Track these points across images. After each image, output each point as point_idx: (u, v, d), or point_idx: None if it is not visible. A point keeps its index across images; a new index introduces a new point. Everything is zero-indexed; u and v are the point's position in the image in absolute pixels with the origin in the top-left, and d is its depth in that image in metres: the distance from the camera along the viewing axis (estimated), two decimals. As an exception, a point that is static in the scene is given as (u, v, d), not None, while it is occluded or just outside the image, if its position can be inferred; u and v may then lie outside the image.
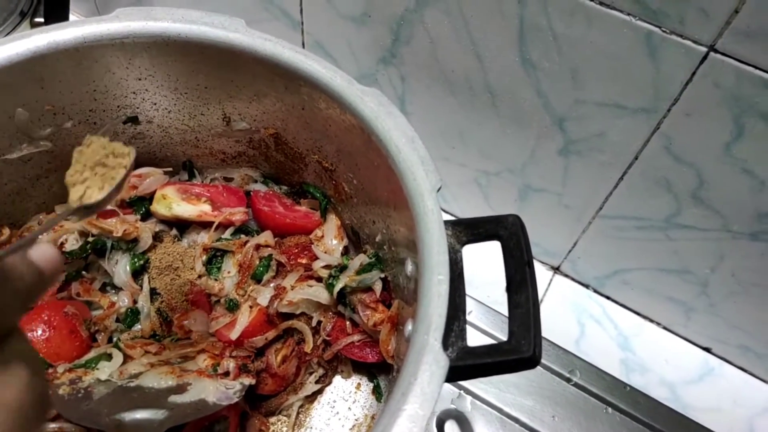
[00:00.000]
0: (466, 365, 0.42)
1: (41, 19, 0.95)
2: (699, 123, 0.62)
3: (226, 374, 0.60)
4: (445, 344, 0.42)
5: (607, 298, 0.91)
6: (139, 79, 0.62)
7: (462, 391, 0.75)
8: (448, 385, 0.74)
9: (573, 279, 0.92)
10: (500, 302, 0.84)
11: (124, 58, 0.59)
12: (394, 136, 0.51)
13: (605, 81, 0.64)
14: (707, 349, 0.86)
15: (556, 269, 0.93)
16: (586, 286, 0.92)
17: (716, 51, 0.55)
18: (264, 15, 0.84)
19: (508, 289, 0.46)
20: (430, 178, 0.48)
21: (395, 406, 0.38)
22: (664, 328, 0.88)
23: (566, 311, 0.89)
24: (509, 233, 0.47)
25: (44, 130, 0.63)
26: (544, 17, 0.62)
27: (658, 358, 0.85)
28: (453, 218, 0.64)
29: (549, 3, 0.60)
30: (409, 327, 0.47)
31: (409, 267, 0.51)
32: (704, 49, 0.56)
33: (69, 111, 0.63)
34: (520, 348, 0.42)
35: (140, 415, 0.53)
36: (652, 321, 0.89)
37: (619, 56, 0.60)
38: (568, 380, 0.77)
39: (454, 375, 0.42)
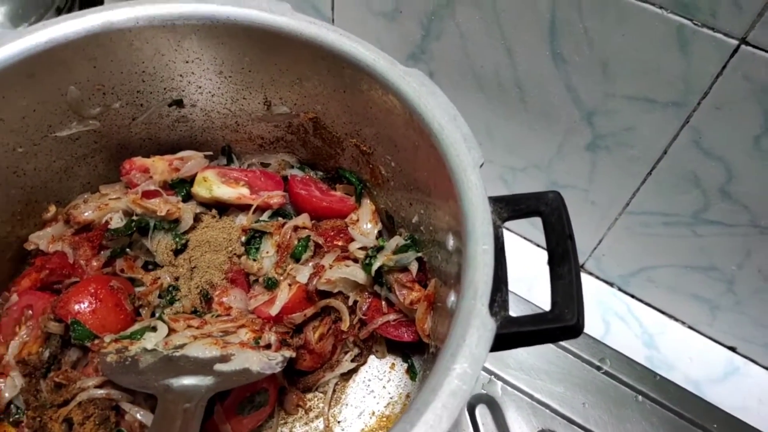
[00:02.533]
0: (511, 333, 0.43)
1: (77, 16, 0.99)
2: (729, 116, 0.62)
3: (268, 347, 0.61)
4: (491, 312, 0.43)
5: (632, 296, 0.91)
6: (187, 62, 0.64)
7: (492, 377, 0.76)
8: (478, 371, 0.75)
9: (597, 277, 0.93)
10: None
11: (173, 40, 0.61)
12: (437, 114, 0.53)
13: (636, 74, 0.65)
14: (732, 348, 0.87)
15: (581, 267, 0.94)
16: (611, 285, 0.92)
17: (747, 44, 0.56)
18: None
19: (550, 262, 0.47)
20: (473, 154, 0.50)
21: (444, 366, 0.39)
22: (689, 327, 0.89)
23: (591, 309, 0.89)
24: (550, 209, 0.48)
25: (93, 110, 0.65)
26: (576, 11, 0.63)
27: (683, 357, 0.85)
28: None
29: (581, -3, 0.61)
30: (452, 298, 0.48)
31: (451, 242, 0.52)
32: (735, 42, 0.57)
33: (118, 91, 0.65)
34: (564, 316, 0.43)
35: (187, 381, 0.55)
36: (676, 320, 0.89)
37: (650, 49, 0.62)
38: (599, 368, 0.77)
39: (499, 343, 0.43)
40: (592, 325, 0.86)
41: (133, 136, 0.71)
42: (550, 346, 0.77)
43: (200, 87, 0.68)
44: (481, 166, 0.49)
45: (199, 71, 0.66)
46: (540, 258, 0.92)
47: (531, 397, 0.75)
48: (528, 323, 0.43)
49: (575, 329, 0.43)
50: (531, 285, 0.86)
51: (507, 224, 0.52)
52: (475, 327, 0.41)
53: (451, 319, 0.44)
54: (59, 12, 0.98)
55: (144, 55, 0.62)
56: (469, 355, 0.39)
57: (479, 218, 0.46)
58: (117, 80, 0.64)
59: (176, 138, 0.74)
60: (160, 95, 0.68)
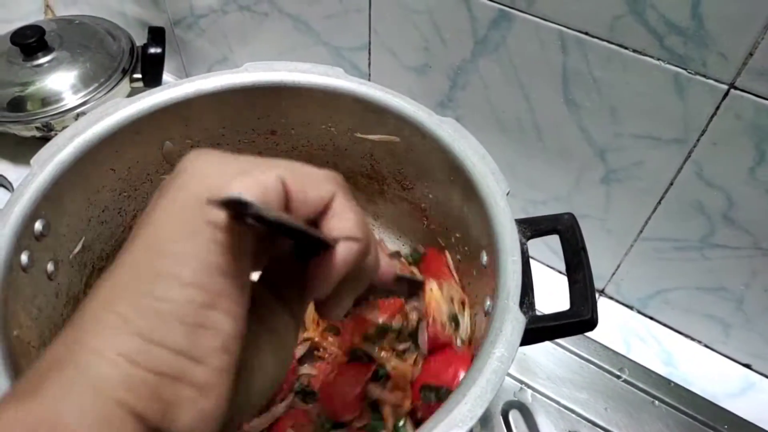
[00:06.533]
0: (538, 328, 0.52)
1: (139, 75, 1.09)
2: (725, 151, 0.69)
3: None
4: (521, 309, 0.52)
5: (650, 318, 0.95)
6: (259, 119, 0.77)
7: (523, 386, 0.83)
8: (510, 380, 0.83)
9: (617, 301, 0.98)
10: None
11: (247, 102, 0.74)
12: (469, 154, 0.63)
13: (641, 116, 0.71)
14: (747, 366, 0.90)
15: (601, 292, 0.98)
16: (630, 308, 0.97)
17: (736, 88, 0.63)
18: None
19: (567, 270, 0.56)
20: (500, 185, 0.60)
21: (486, 351, 0.49)
22: (705, 345, 0.92)
23: (612, 331, 0.94)
24: (565, 227, 0.58)
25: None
26: (584, 63, 0.71)
27: (701, 374, 0.89)
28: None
29: (588, 51, 0.69)
30: (488, 302, 0.58)
31: (484, 258, 0.62)
32: (725, 87, 0.63)
33: (202, 144, 0.77)
34: (581, 313, 0.52)
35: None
36: (692, 339, 0.93)
37: (651, 95, 0.69)
38: (618, 377, 0.84)
39: (529, 337, 0.52)
40: (613, 346, 0.91)
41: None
42: (574, 357, 0.85)
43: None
44: (507, 194, 0.60)
45: (267, 124, 0.78)
46: (552, 277, 0.99)
47: (558, 403, 0.82)
48: (551, 319, 0.53)
49: (590, 322, 0.52)
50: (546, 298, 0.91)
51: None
52: (509, 321, 0.50)
53: (488, 318, 0.53)
54: (125, 73, 1.07)
55: (225, 114, 0.74)
56: (505, 342, 0.49)
57: (508, 236, 0.56)
58: (203, 135, 0.76)
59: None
60: (236, 145, 0.80)
